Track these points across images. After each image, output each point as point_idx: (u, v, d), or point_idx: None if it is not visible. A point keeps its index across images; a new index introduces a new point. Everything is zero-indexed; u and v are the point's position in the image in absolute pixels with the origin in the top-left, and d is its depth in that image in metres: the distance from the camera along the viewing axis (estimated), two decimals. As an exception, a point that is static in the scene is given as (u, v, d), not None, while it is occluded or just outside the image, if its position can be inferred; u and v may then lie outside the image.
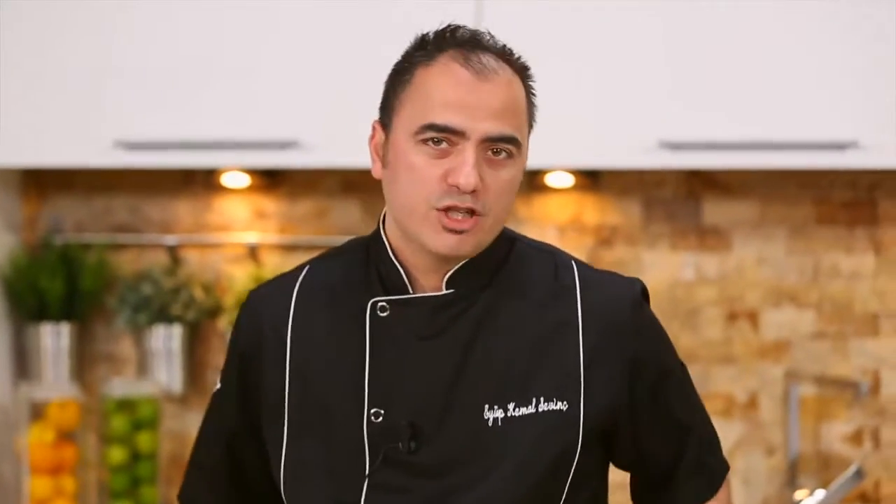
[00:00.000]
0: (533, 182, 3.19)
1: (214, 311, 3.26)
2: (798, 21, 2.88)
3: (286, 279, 1.78)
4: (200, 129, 2.95)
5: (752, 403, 3.20)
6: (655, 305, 1.79)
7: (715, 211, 3.21)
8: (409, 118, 1.64)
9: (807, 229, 3.19)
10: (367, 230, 1.82)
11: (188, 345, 3.24)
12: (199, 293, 3.24)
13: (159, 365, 3.22)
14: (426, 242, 1.65)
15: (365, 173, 3.09)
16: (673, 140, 2.87)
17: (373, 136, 1.71)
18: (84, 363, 3.30)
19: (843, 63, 2.86)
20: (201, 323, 3.27)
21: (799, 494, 2.99)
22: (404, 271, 1.70)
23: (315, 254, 1.84)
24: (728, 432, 3.16)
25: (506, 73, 1.65)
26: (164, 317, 3.20)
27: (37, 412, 3.13)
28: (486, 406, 1.66)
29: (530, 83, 1.70)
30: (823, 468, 3.16)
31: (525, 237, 1.77)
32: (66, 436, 3.14)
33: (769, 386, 3.19)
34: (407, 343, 1.68)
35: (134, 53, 2.97)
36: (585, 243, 3.21)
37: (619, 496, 1.85)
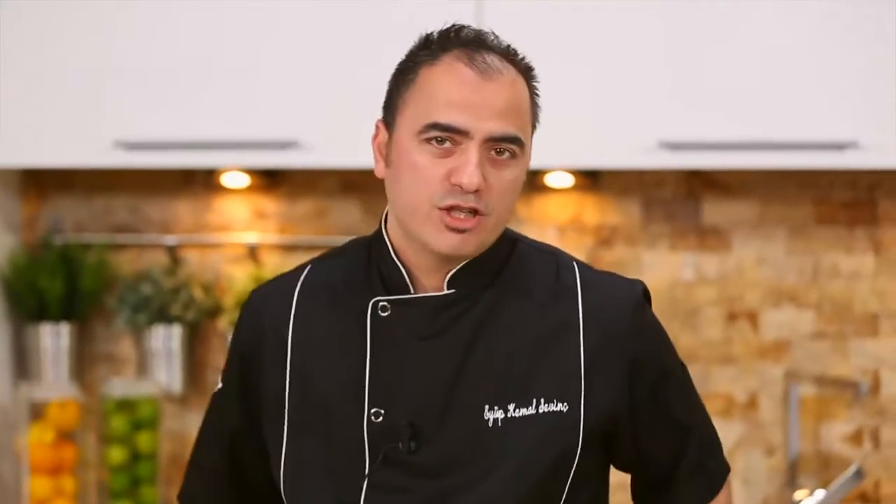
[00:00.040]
0: (533, 182, 3.19)
1: (214, 311, 3.26)
2: (798, 21, 2.88)
3: (287, 279, 1.78)
4: (200, 129, 2.95)
5: (752, 403, 3.20)
6: (655, 305, 1.79)
7: (715, 211, 3.21)
8: (412, 117, 1.64)
9: (806, 229, 3.19)
10: (366, 230, 1.82)
11: (188, 345, 3.24)
12: (198, 293, 3.24)
13: (159, 365, 3.22)
14: (428, 242, 1.65)
15: (365, 173, 3.10)
16: (673, 140, 2.87)
17: (376, 136, 1.71)
18: (84, 363, 3.30)
19: (843, 63, 2.86)
20: (201, 323, 3.27)
21: (799, 494, 2.99)
22: (406, 271, 1.70)
23: (315, 254, 1.84)
24: (728, 432, 3.16)
25: (510, 73, 1.65)
26: (164, 317, 3.20)
27: (36, 412, 3.13)
28: (487, 406, 1.66)
29: (534, 83, 1.70)
30: (823, 468, 3.16)
31: (526, 238, 1.77)
32: (65, 436, 3.14)
33: (769, 386, 3.19)
34: (408, 343, 1.68)
35: (134, 53, 2.97)
36: (585, 243, 3.21)
37: (619, 496, 1.85)
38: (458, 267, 1.68)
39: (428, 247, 1.65)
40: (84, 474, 3.20)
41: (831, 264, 3.18)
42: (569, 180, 3.19)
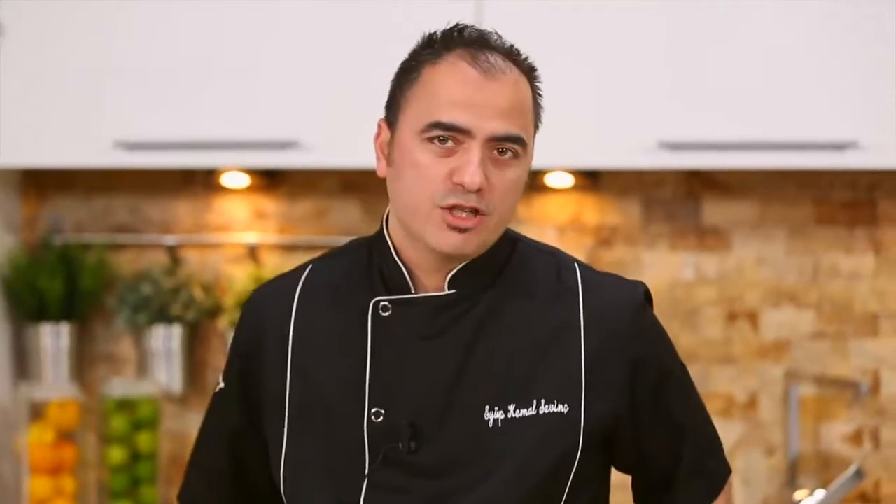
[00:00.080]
0: (533, 182, 3.19)
1: (214, 312, 3.26)
2: (798, 21, 2.88)
3: (289, 278, 1.78)
4: (200, 129, 2.95)
5: (751, 403, 3.20)
6: (655, 306, 1.79)
7: (714, 211, 3.21)
8: (415, 116, 1.64)
9: (806, 229, 3.19)
10: (366, 230, 1.82)
11: (188, 345, 3.25)
12: (198, 293, 3.24)
13: (159, 365, 3.22)
14: (430, 241, 1.64)
15: (364, 173, 3.11)
16: (673, 140, 2.87)
17: (378, 135, 1.71)
18: (84, 363, 3.30)
19: (843, 63, 2.86)
20: (201, 323, 3.27)
21: (799, 494, 2.99)
22: (407, 271, 1.70)
23: (315, 254, 1.84)
24: (728, 432, 3.16)
25: (513, 72, 1.65)
26: (164, 317, 3.20)
27: (36, 412, 3.13)
28: (487, 407, 1.66)
29: (537, 84, 1.70)
30: (823, 468, 3.16)
31: (527, 238, 1.77)
32: (65, 436, 3.14)
33: (769, 386, 3.19)
34: (408, 343, 1.68)
35: (134, 53, 2.97)
36: (585, 243, 3.21)
37: (619, 497, 1.85)
38: (459, 267, 1.68)
39: (429, 246, 1.65)
40: (84, 474, 3.20)
41: (831, 264, 3.18)
42: (569, 180, 3.19)
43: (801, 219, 3.19)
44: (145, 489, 3.16)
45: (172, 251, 3.27)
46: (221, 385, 1.81)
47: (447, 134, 1.62)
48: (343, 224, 3.25)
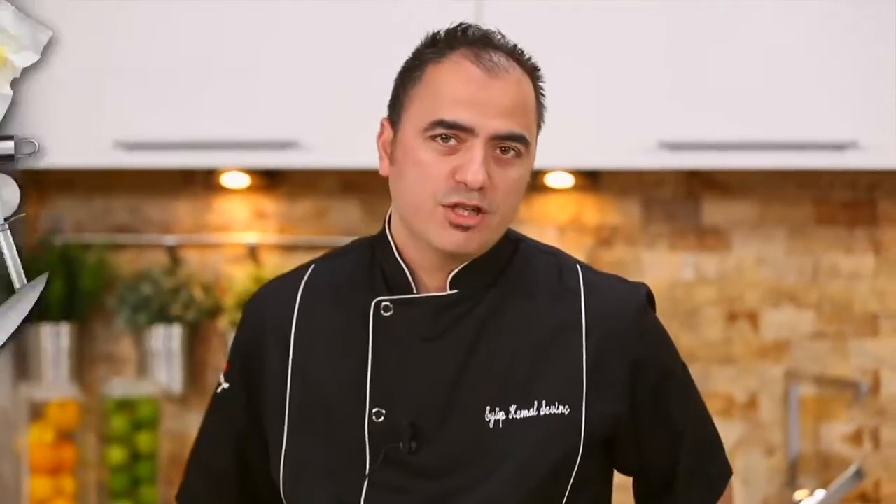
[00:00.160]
0: (533, 182, 3.15)
1: (214, 312, 3.26)
2: (798, 21, 2.88)
3: (291, 279, 1.78)
4: (200, 129, 2.95)
5: (751, 403, 3.20)
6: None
7: (714, 211, 3.21)
8: (418, 114, 1.64)
9: (806, 229, 3.19)
10: (366, 230, 1.82)
11: (188, 345, 3.24)
12: (198, 293, 3.24)
13: (159, 365, 3.22)
14: (432, 239, 1.64)
15: (364, 173, 3.11)
16: (673, 140, 2.87)
17: (381, 134, 1.71)
18: (84, 363, 3.30)
19: (843, 63, 2.86)
20: (201, 323, 3.27)
21: (799, 494, 2.99)
22: (409, 271, 1.69)
23: (315, 254, 1.84)
24: (728, 432, 3.16)
25: (516, 72, 1.66)
26: (164, 317, 3.20)
27: (36, 412, 3.13)
28: (488, 408, 1.66)
29: (540, 84, 1.70)
30: (823, 468, 3.16)
31: (529, 238, 1.77)
32: (65, 436, 3.14)
33: (769, 386, 3.19)
34: (410, 343, 1.68)
35: (134, 53, 2.97)
36: (585, 243, 3.21)
37: (620, 497, 1.84)
38: (460, 266, 1.68)
39: (431, 244, 1.65)
40: (84, 474, 3.20)
41: (831, 264, 3.18)
42: (569, 180, 3.19)
43: (801, 219, 3.19)
44: (145, 489, 3.16)
45: (172, 251, 3.27)
46: (224, 386, 1.80)
47: (450, 132, 1.62)
48: (343, 224, 3.25)
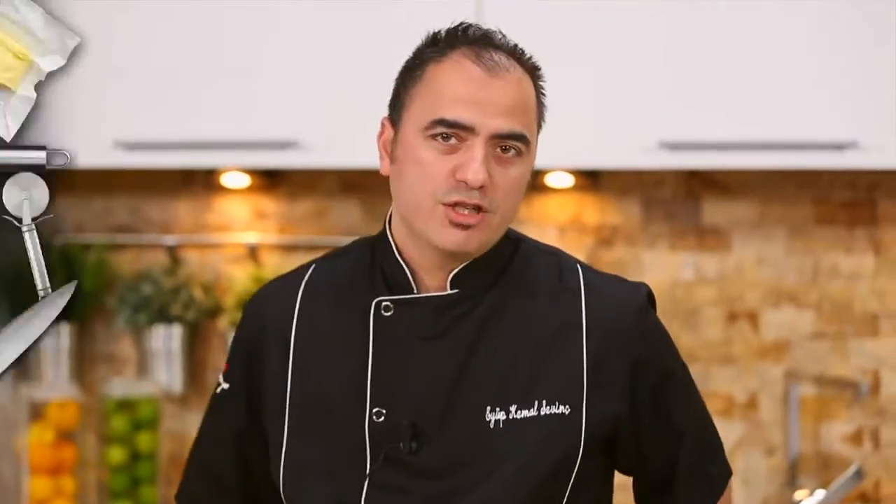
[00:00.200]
0: (533, 182, 3.15)
1: (214, 312, 3.26)
2: (798, 21, 2.88)
3: (291, 279, 1.78)
4: (200, 129, 2.95)
5: (751, 403, 3.20)
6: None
7: (714, 211, 3.21)
8: (418, 113, 1.65)
9: (806, 229, 3.19)
10: (366, 230, 1.83)
11: (188, 345, 3.24)
12: (198, 293, 3.24)
13: (159, 365, 3.22)
14: (432, 238, 1.64)
15: (364, 173, 3.11)
16: (673, 140, 2.87)
17: (381, 133, 1.71)
18: (84, 363, 3.30)
19: (843, 63, 2.86)
20: (201, 323, 3.27)
21: (799, 494, 2.99)
22: (409, 271, 1.69)
23: (315, 254, 1.84)
24: (728, 432, 3.16)
25: (517, 71, 1.66)
26: (164, 317, 3.20)
27: (36, 412, 3.13)
28: (488, 408, 1.66)
29: (540, 83, 1.70)
30: (823, 468, 3.16)
31: (529, 238, 1.77)
32: (65, 436, 3.14)
33: (769, 386, 3.19)
34: (410, 343, 1.68)
35: (134, 53, 2.96)
36: (585, 243, 3.21)
37: (620, 497, 1.85)
38: (461, 266, 1.68)
39: (432, 243, 1.65)
40: (84, 474, 3.20)
41: (831, 264, 3.18)
42: (569, 180, 3.19)
43: (800, 219, 3.19)
44: (145, 489, 3.16)
45: (172, 251, 3.27)
46: (224, 386, 1.80)
47: (450, 131, 1.62)
48: (343, 224, 3.25)
